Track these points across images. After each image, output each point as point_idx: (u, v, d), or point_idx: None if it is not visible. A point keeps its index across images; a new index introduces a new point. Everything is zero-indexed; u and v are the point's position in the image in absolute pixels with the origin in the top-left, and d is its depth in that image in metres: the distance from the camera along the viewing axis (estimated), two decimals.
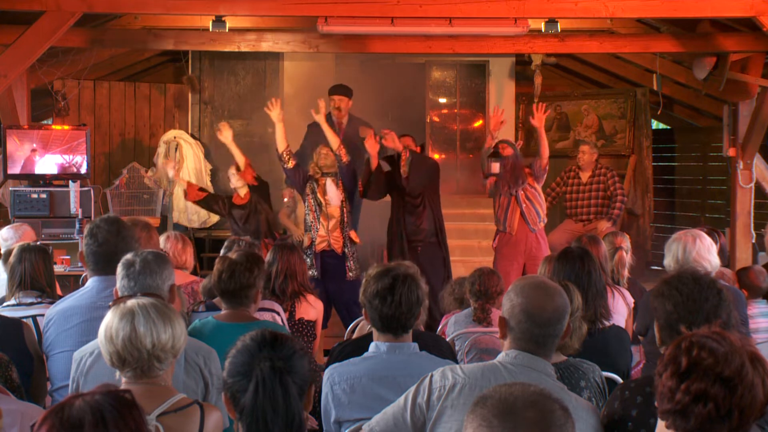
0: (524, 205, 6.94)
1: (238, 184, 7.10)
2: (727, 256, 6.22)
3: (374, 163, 6.76)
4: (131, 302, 2.46)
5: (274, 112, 6.80)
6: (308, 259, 6.64)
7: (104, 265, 3.49)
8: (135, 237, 4.16)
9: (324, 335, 6.24)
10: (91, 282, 3.50)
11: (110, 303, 2.70)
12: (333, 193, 6.74)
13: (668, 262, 4.23)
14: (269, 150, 10.36)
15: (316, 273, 6.62)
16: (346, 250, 6.75)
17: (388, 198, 7.23)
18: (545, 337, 2.46)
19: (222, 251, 4.85)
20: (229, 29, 6.95)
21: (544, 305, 2.46)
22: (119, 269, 3.13)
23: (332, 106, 7.48)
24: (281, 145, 6.84)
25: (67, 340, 3.34)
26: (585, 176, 8.59)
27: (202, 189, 7.28)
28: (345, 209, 6.77)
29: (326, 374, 2.93)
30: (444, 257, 7.02)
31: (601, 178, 8.50)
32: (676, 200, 11.20)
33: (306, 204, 6.88)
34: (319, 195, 6.74)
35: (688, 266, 3.99)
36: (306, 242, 6.81)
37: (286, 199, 8.17)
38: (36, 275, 3.96)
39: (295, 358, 2.04)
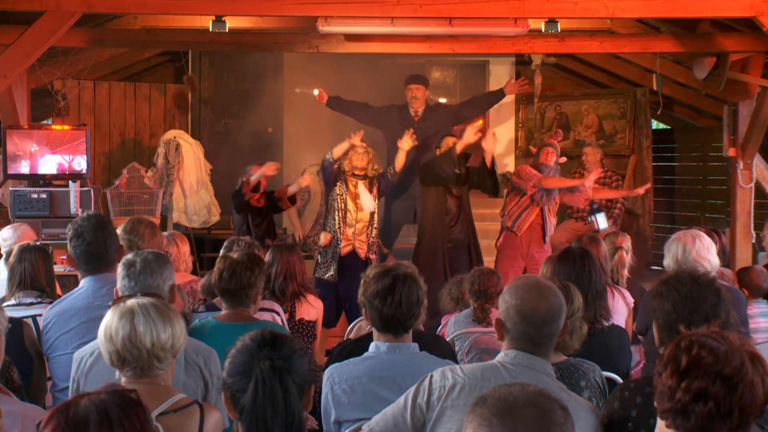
0: (548, 220, 6.98)
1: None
2: (727, 256, 6.21)
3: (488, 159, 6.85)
4: (131, 302, 2.46)
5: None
6: (325, 259, 6.56)
7: (96, 264, 3.47)
8: (121, 231, 4.15)
9: (327, 335, 6.24)
10: (85, 282, 3.47)
11: (110, 303, 2.70)
12: (366, 199, 6.60)
13: (668, 262, 4.23)
14: (269, 150, 10.39)
15: (333, 274, 6.55)
16: (370, 256, 6.61)
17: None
18: (541, 337, 2.46)
19: (222, 251, 4.86)
20: (229, 29, 6.94)
21: (537, 306, 2.46)
22: (120, 269, 3.13)
23: (410, 96, 7.56)
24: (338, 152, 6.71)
25: (69, 342, 3.33)
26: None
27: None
28: (376, 214, 6.65)
29: (326, 374, 2.93)
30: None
31: (605, 180, 8.58)
32: (676, 200, 11.20)
33: (330, 204, 6.71)
34: (349, 199, 6.59)
35: (687, 266, 3.99)
36: (323, 241, 6.65)
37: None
38: (36, 275, 3.95)
39: (295, 358, 2.04)
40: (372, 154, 6.67)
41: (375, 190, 6.68)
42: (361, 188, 6.62)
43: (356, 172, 6.63)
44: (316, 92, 7.75)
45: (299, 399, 2.02)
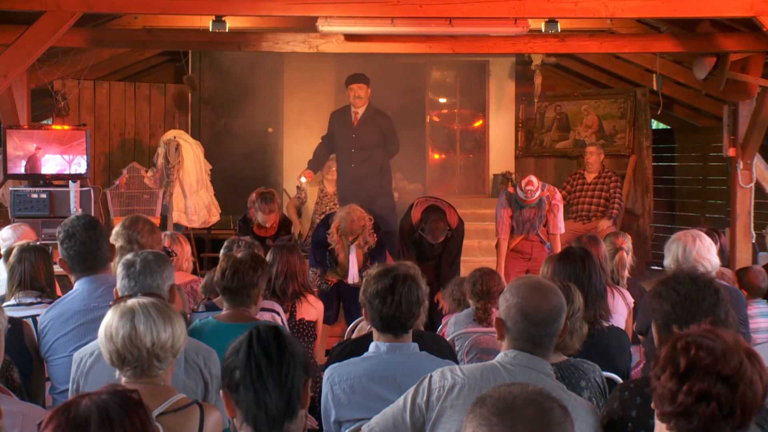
0: (541, 234, 6.90)
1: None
2: (727, 256, 6.21)
3: None
4: (131, 301, 2.46)
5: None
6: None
7: (91, 264, 3.46)
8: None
9: (327, 334, 6.24)
10: (80, 284, 3.46)
11: (111, 303, 2.70)
12: (354, 264, 6.23)
13: (668, 262, 4.23)
14: (267, 150, 10.40)
15: (324, 286, 6.47)
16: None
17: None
18: (542, 336, 2.47)
19: (222, 251, 4.86)
20: (229, 29, 6.94)
21: (539, 305, 2.46)
22: (119, 269, 3.12)
23: (353, 96, 7.48)
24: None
25: (67, 345, 3.33)
26: (590, 177, 8.70)
27: None
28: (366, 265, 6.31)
29: (326, 374, 2.93)
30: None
31: (605, 180, 8.59)
32: (676, 200, 11.20)
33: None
34: (341, 257, 6.24)
35: (688, 266, 3.99)
36: (311, 280, 6.34)
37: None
38: (36, 275, 3.95)
39: (292, 337, 2.04)
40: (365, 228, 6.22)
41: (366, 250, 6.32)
42: (352, 258, 6.22)
43: (352, 240, 6.22)
44: (303, 179, 7.83)
45: (298, 366, 1.97)
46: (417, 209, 6.58)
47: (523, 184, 6.67)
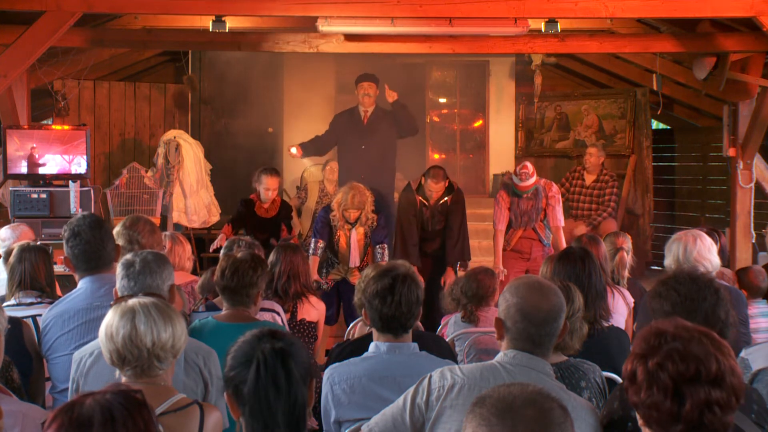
0: (539, 231, 6.91)
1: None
2: (727, 256, 6.21)
3: None
4: (132, 301, 2.46)
5: None
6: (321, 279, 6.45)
7: (95, 263, 3.47)
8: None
9: (327, 333, 6.24)
10: (83, 283, 3.47)
11: (111, 303, 2.70)
12: (355, 247, 6.34)
13: (669, 262, 4.23)
14: (267, 150, 10.39)
15: (325, 286, 6.49)
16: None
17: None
18: (542, 336, 2.47)
19: (222, 251, 4.86)
20: (229, 29, 6.94)
21: (539, 304, 2.46)
22: (119, 269, 3.13)
23: (362, 94, 7.54)
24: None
25: (68, 343, 3.33)
26: (589, 179, 8.69)
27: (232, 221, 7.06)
28: (366, 257, 6.41)
29: (326, 374, 2.93)
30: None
31: (602, 185, 8.60)
32: (676, 200, 11.21)
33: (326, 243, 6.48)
34: (342, 245, 6.36)
35: (687, 266, 3.99)
36: (313, 249, 6.46)
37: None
38: (36, 275, 3.95)
39: (296, 346, 2.04)
40: (367, 201, 6.36)
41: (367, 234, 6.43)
42: (353, 240, 6.35)
43: (353, 220, 6.35)
44: (293, 150, 7.81)
45: (302, 385, 2.00)
46: (415, 181, 6.86)
47: (517, 169, 6.76)
